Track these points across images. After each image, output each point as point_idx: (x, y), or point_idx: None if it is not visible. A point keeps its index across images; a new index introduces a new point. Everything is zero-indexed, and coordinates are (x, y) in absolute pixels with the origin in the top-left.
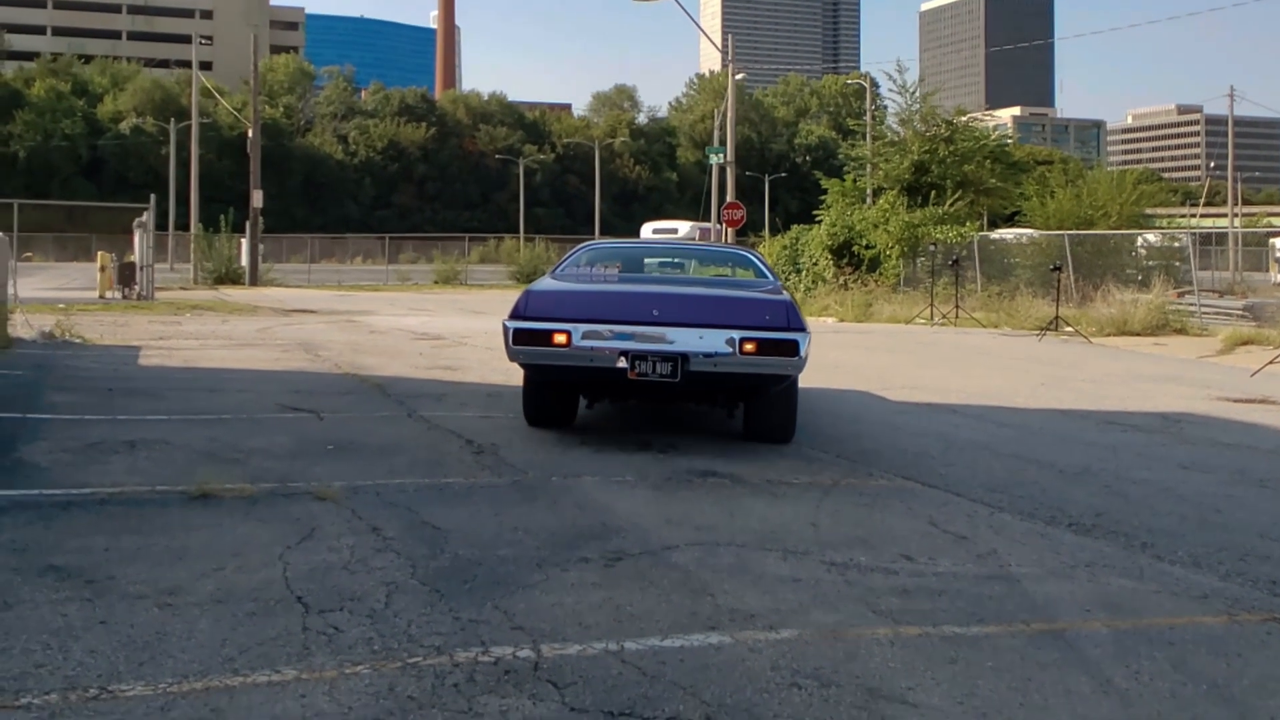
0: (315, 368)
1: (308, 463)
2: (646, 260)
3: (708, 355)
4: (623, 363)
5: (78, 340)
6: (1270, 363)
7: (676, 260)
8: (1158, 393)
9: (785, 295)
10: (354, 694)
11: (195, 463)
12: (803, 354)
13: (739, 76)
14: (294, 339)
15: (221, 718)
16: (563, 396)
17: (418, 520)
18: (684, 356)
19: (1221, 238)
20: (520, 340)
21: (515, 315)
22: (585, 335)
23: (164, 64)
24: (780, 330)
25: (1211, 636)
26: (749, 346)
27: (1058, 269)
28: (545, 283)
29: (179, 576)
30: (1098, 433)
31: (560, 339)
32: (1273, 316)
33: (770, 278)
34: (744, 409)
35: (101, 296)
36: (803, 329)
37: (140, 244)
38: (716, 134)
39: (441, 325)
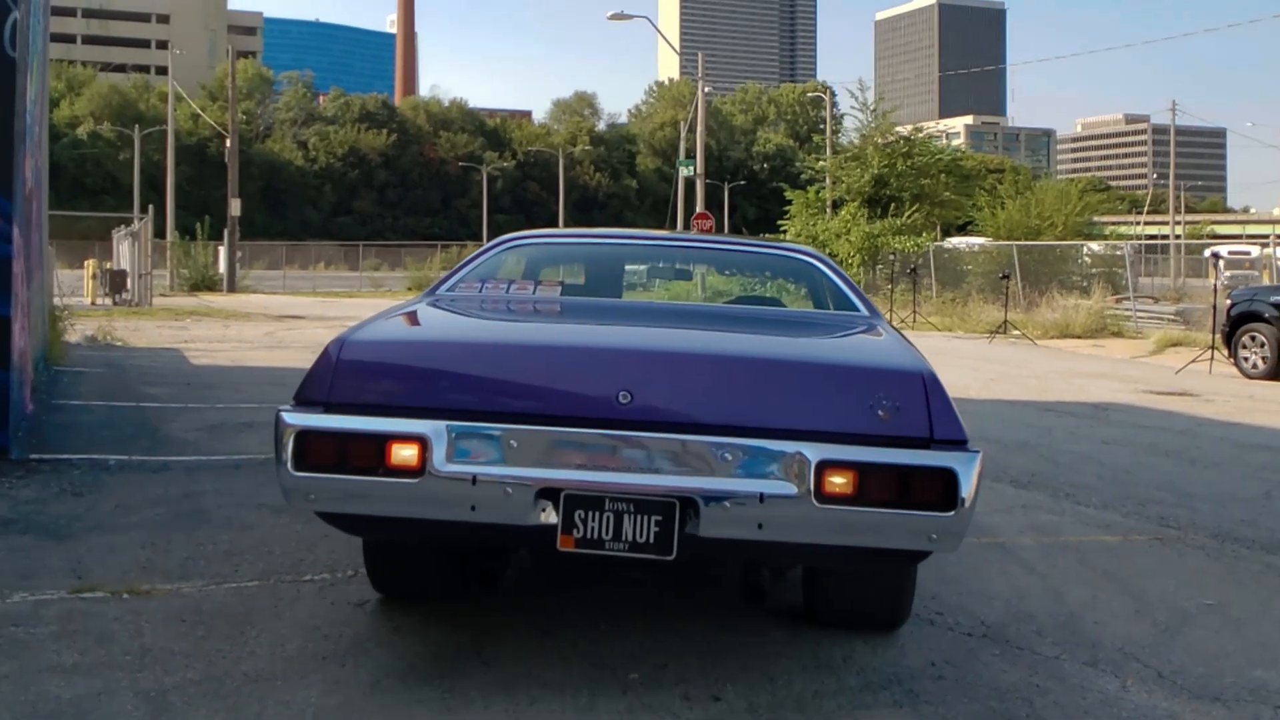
0: None
1: None
2: (627, 265)
3: (741, 502)
4: (549, 515)
5: (119, 343)
6: (1192, 361)
7: (682, 266)
8: (1092, 386)
9: (915, 355)
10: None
11: None
12: (965, 498)
13: (707, 90)
14: (311, 342)
15: None
16: (439, 560)
17: None
18: (688, 503)
19: (1165, 246)
20: (312, 460)
21: (304, 396)
22: (459, 447)
23: (120, 68)
24: (913, 442)
25: (1109, 548)
26: (839, 481)
27: (1006, 277)
28: (396, 323)
29: None
30: (1037, 418)
31: (404, 455)
32: (1200, 320)
33: (862, 307)
34: (804, 573)
35: (93, 303)
36: (963, 438)
37: (133, 252)
38: (682, 145)
39: None
